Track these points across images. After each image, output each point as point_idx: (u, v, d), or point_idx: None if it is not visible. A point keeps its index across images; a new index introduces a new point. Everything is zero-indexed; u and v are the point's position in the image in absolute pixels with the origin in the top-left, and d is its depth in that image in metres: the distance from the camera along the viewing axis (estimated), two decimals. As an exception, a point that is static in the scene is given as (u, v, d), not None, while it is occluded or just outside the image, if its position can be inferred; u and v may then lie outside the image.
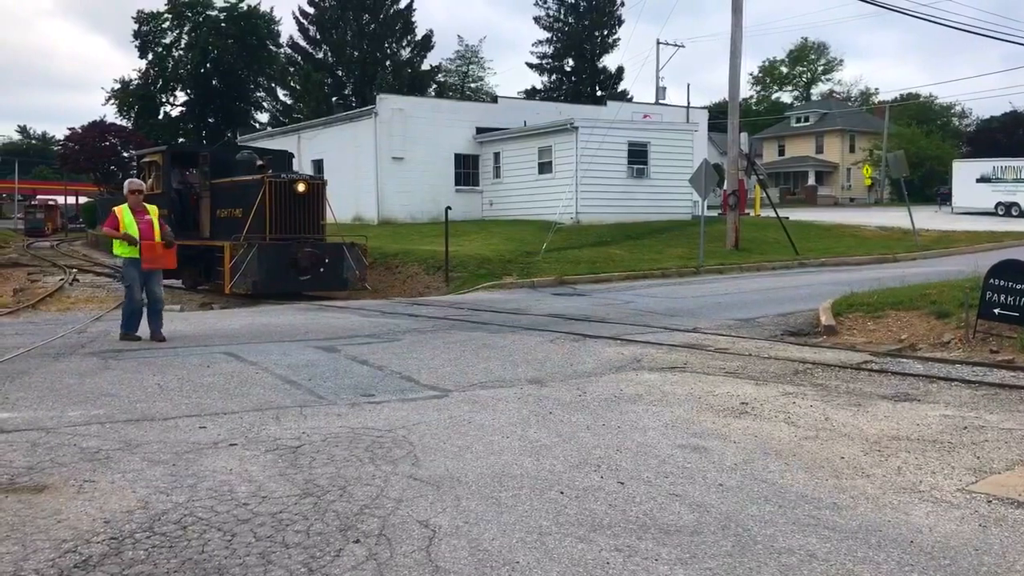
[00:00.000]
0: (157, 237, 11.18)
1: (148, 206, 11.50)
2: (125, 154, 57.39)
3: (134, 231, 11.08)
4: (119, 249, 11.29)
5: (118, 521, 4.51)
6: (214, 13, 60.90)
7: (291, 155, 21.13)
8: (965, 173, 45.65)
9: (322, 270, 17.51)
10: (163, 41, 62.18)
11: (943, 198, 49.92)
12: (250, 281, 16.81)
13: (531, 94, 64.71)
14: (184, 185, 20.55)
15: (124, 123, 61.58)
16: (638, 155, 31.32)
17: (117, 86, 62.33)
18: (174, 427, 6.52)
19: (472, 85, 77.99)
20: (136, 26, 61.72)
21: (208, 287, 19.74)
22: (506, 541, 4.26)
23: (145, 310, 11.26)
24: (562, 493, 4.98)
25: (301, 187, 17.96)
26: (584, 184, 29.81)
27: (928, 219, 34.85)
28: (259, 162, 18.68)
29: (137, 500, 4.83)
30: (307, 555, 4.08)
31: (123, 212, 11.19)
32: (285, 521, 4.51)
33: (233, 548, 4.16)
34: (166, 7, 60.73)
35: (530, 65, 68.49)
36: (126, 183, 11.89)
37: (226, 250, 17.16)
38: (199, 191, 19.91)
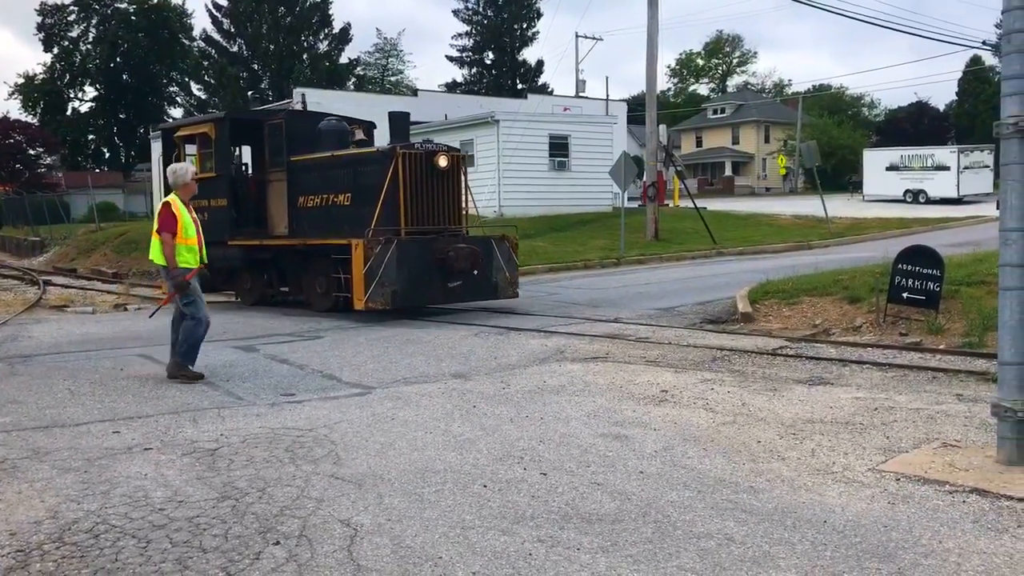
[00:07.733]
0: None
1: None
2: (31, 152, 55.42)
3: (192, 234, 8.38)
4: (157, 255, 8.28)
5: (25, 532, 4.35)
6: (123, 5, 59.20)
7: (407, 115, 14.43)
8: (875, 162, 47.05)
9: (476, 272, 13.28)
10: (69, 34, 60.22)
11: (854, 186, 51.36)
12: (389, 291, 12.49)
13: (452, 87, 64.68)
14: (236, 166, 16.14)
15: (30, 119, 59.47)
16: (559, 148, 31.52)
17: (21, 81, 60.19)
18: (86, 433, 6.33)
19: (392, 78, 77.51)
20: (40, 18, 59.67)
21: (279, 298, 15.32)
22: (429, 537, 4.24)
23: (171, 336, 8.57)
24: (485, 486, 4.98)
25: (443, 161, 13.27)
26: (506, 177, 29.87)
27: (841, 207, 35.85)
28: (358, 132, 14.51)
29: (46, 510, 4.67)
30: (225, 559, 4.00)
31: (180, 208, 8.34)
32: (203, 525, 4.42)
33: (148, 555, 4.05)
34: (72, -1, 58.88)
35: (450, 58, 68.61)
36: (183, 168, 8.77)
37: (357, 249, 12.51)
38: (266, 172, 15.20)
